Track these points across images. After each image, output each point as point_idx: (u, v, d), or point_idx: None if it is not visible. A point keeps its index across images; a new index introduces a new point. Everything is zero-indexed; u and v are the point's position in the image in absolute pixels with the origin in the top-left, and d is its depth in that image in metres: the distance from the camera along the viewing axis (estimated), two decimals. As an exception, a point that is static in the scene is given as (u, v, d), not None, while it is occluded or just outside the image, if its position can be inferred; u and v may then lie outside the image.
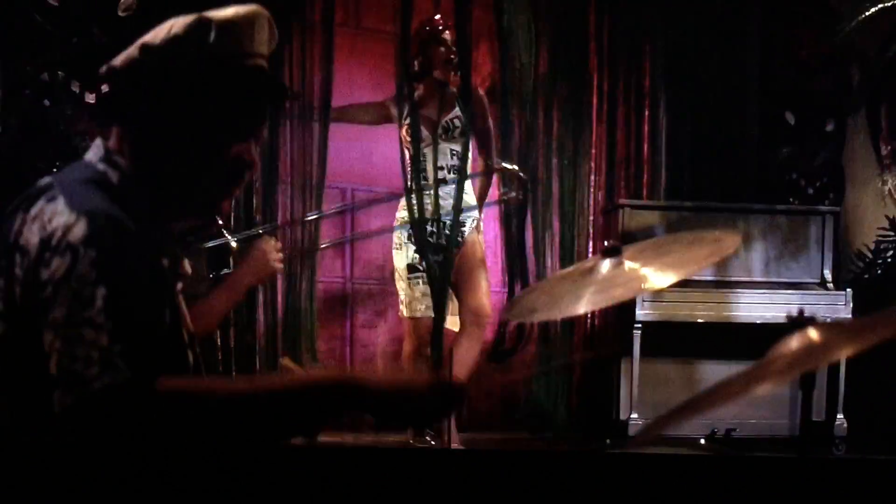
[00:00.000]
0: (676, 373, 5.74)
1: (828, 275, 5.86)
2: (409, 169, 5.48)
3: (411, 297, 5.59)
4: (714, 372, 5.62)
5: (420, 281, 5.54)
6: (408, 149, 5.53)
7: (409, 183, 5.41)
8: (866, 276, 6.00)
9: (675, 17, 6.49)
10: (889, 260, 6.00)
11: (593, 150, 6.42)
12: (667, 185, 6.45)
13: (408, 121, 5.53)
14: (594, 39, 6.48)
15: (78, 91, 5.00)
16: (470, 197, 5.63)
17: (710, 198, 6.12)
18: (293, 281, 5.92)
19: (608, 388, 5.86)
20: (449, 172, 5.52)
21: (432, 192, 5.45)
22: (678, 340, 5.71)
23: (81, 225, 1.84)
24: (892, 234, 6.10)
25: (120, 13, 4.87)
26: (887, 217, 6.19)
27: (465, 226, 5.56)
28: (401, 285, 5.64)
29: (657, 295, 5.53)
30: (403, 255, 5.60)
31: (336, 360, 6.33)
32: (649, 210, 5.96)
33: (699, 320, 5.67)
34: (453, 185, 5.46)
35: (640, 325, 5.61)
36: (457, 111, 5.56)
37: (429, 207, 5.44)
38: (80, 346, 1.76)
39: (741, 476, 2.71)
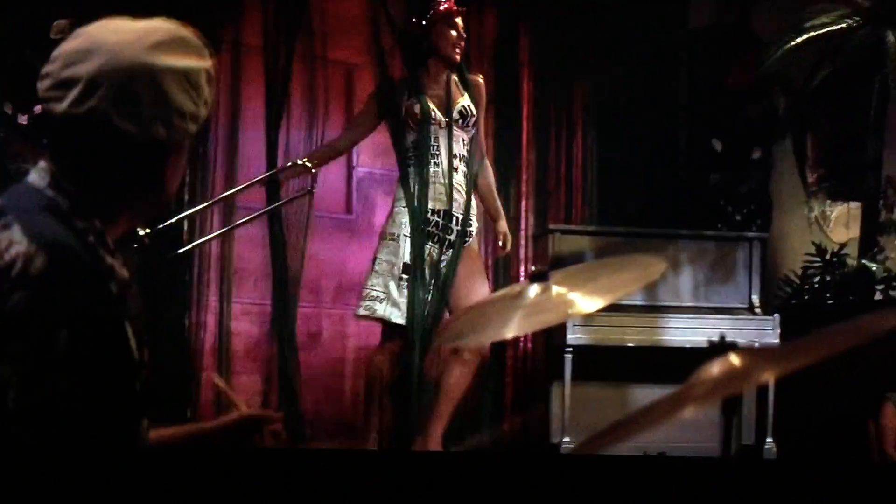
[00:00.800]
0: (608, 396, 5.79)
1: (756, 300, 5.95)
2: (410, 153, 5.22)
3: (394, 301, 5.15)
4: (645, 395, 5.67)
5: (407, 285, 5.15)
6: (413, 129, 5.24)
7: (412, 168, 5.18)
8: (794, 301, 6.12)
9: (606, 45, 6.59)
10: (816, 285, 6.13)
11: (524, 175, 6.49)
12: (598, 211, 6.53)
13: (413, 99, 5.24)
14: (526, 65, 6.56)
15: (10, 113, 4.97)
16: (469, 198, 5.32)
17: (641, 223, 6.19)
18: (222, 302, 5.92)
19: (541, 412, 5.89)
20: (461, 162, 5.25)
21: (445, 181, 5.18)
22: (609, 364, 5.77)
23: (41, 257, 1.83)
24: (818, 259, 6.23)
25: (52, 36, 4.85)
26: (814, 243, 6.33)
27: (472, 224, 5.28)
28: (382, 282, 5.14)
29: (588, 319, 5.58)
30: (401, 249, 5.15)
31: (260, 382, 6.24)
32: (580, 235, 6.02)
33: (629, 344, 5.73)
34: (464, 177, 5.23)
35: (570, 349, 5.64)
36: (468, 98, 5.32)
37: (441, 198, 5.18)
38: (38, 385, 1.77)
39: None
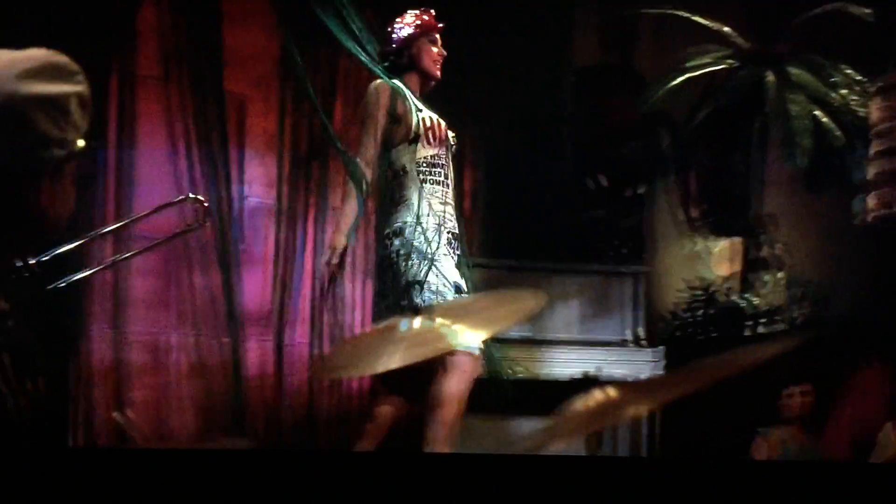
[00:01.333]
0: (490, 428, 5.85)
1: (641, 332, 6.09)
2: (424, 170, 4.91)
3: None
4: (528, 427, 5.75)
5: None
6: (430, 145, 4.96)
7: (427, 186, 4.88)
8: (678, 333, 6.26)
9: (492, 81, 6.69)
10: (699, 318, 6.29)
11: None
12: (484, 244, 6.61)
13: (429, 113, 4.99)
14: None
15: None
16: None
17: (526, 257, 6.29)
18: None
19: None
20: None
21: (451, 201, 4.94)
22: (492, 396, 5.81)
23: None
24: (701, 293, 6.40)
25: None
26: (695, 277, 6.48)
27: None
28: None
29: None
30: (453, 265, 4.81)
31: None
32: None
33: (513, 377, 5.79)
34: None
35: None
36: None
37: (451, 220, 4.90)
38: None
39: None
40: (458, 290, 4.70)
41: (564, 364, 5.81)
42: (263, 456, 2.05)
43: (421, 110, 4.98)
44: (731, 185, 6.80)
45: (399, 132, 4.94)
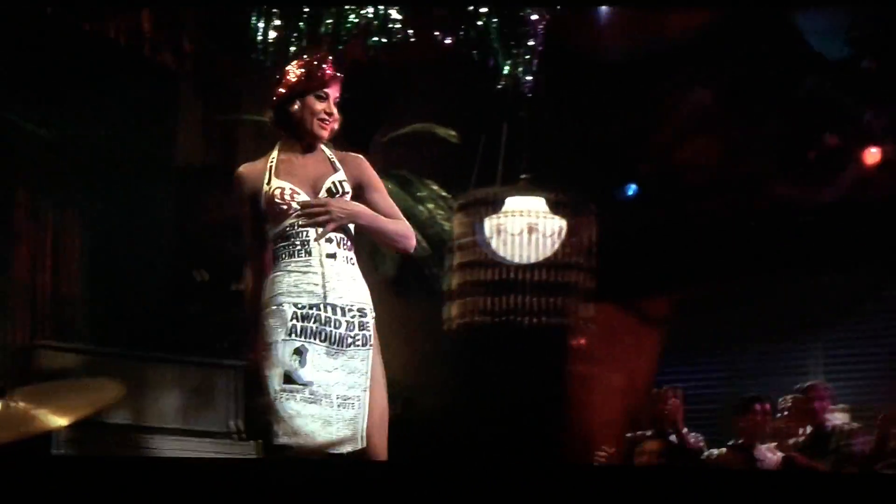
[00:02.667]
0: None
1: (239, 425, 6.34)
2: (281, 243, 4.55)
3: (276, 419, 4.38)
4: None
5: (297, 396, 4.40)
6: (280, 211, 4.55)
7: (283, 255, 4.52)
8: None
9: (98, 168, 6.84)
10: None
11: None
12: (91, 330, 6.65)
13: (277, 182, 4.57)
14: None
15: None
16: (362, 285, 4.62)
17: (130, 345, 6.39)
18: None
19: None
20: (339, 246, 4.57)
21: (320, 269, 4.52)
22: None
23: None
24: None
25: None
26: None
27: (367, 318, 4.55)
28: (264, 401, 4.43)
29: (70, 432, 5.62)
30: (277, 355, 4.44)
31: None
32: (67, 352, 6.13)
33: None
34: (346, 264, 4.57)
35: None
36: (342, 173, 4.67)
37: (316, 289, 4.49)
38: None
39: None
40: (286, 381, 4.40)
41: (170, 453, 5.95)
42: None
43: (271, 181, 4.61)
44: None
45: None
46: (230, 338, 7.03)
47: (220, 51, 7.59)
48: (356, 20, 6.75)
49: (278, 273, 4.54)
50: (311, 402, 4.39)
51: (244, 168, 4.70)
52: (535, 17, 6.78)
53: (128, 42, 7.02)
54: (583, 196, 7.09)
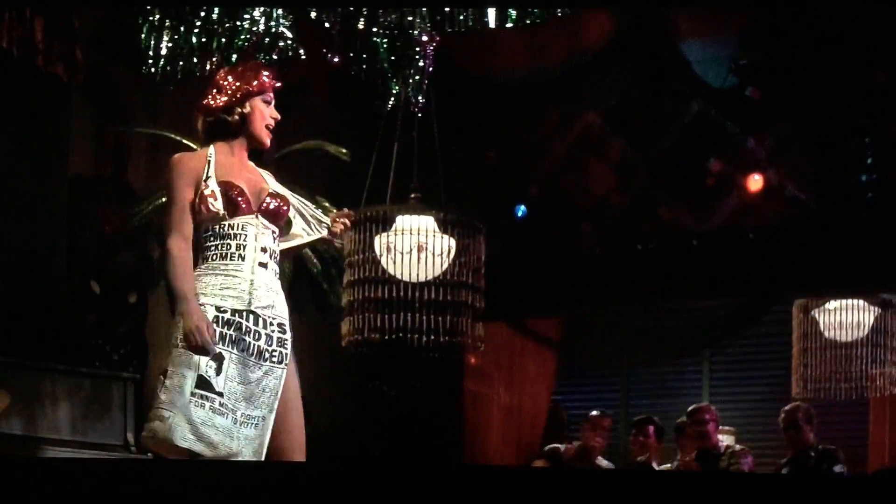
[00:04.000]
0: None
1: (131, 438, 6.62)
2: (210, 245, 4.63)
3: (186, 420, 4.45)
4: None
5: (206, 405, 4.48)
6: (212, 215, 4.63)
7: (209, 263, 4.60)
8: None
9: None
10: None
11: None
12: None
13: (222, 179, 4.66)
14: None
15: None
16: (284, 301, 4.78)
17: (20, 354, 6.61)
18: None
19: None
20: (271, 258, 4.71)
21: (250, 276, 4.64)
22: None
23: None
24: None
25: None
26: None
27: (286, 335, 4.71)
28: (169, 398, 4.49)
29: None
30: (194, 358, 4.50)
31: None
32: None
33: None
34: (273, 276, 4.70)
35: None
36: (281, 188, 4.89)
37: (242, 294, 4.60)
38: None
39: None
40: (199, 385, 4.49)
41: (63, 462, 6.22)
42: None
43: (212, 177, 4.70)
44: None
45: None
46: (121, 350, 7.35)
47: (112, 62, 7.89)
48: (249, 36, 7.06)
49: (205, 273, 4.60)
50: (218, 414, 4.48)
51: (183, 156, 4.82)
52: (424, 38, 7.14)
53: (20, 52, 7.25)
54: (472, 216, 7.41)
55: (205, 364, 4.51)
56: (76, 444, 6.45)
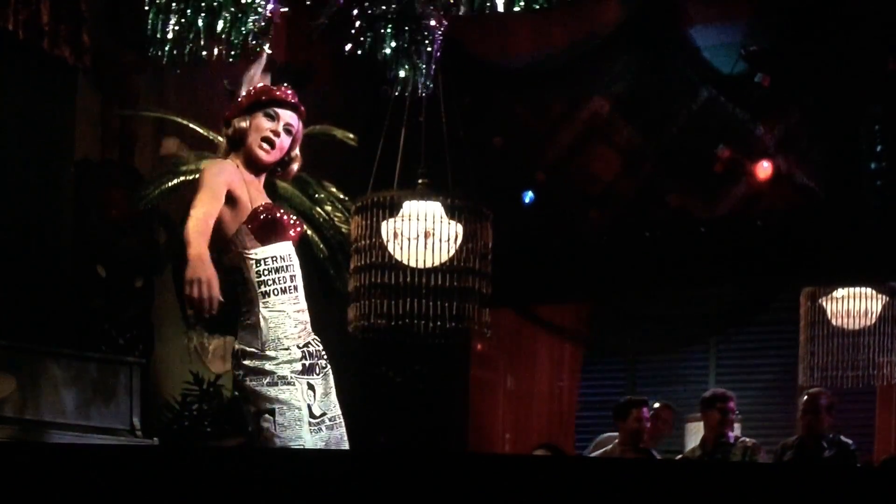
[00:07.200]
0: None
1: (137, 422, 6.66)
2: (269, 277, 4.47)
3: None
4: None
5: (321, 427, 4.52)
6: (271, 231, 4.49)
7: (275, 293, 4.45)
8: (175, 425, 6.86)
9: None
10: (195, 412, 6.94)
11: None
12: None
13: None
14: None
15: None
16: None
17: (24, 338, 6.65)
18: None
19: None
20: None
21: (305, 303, 4.58)
22: None
23: None
24: (196, 387, 7.06)
25: None
26: (192, 372, 7.14)
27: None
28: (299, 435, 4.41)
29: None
30: (299, 391, 4.46)
31: None
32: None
33: None
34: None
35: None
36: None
37: (307, 325, 4.55)
38: None
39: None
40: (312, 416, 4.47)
41: (69, 447, 6.24)
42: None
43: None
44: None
45: None
46: (127, 334, 7.37)
47: (119, 46, 7.90)
48: (256, 18, 7.07)
49: (278, 314, 4.45)
50: (328, 429, 4.50)
51: (228, 164, 4.56)
52: (433, 23, 7.14)
53: (26, 35, 7.26)
54: (479, 202, 7.42)
55: (304, 396, 4.46)
56: (82, 429, 6.48)
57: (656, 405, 8.95)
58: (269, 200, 4.66)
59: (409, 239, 7.19)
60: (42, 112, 7.40)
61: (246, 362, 4.43)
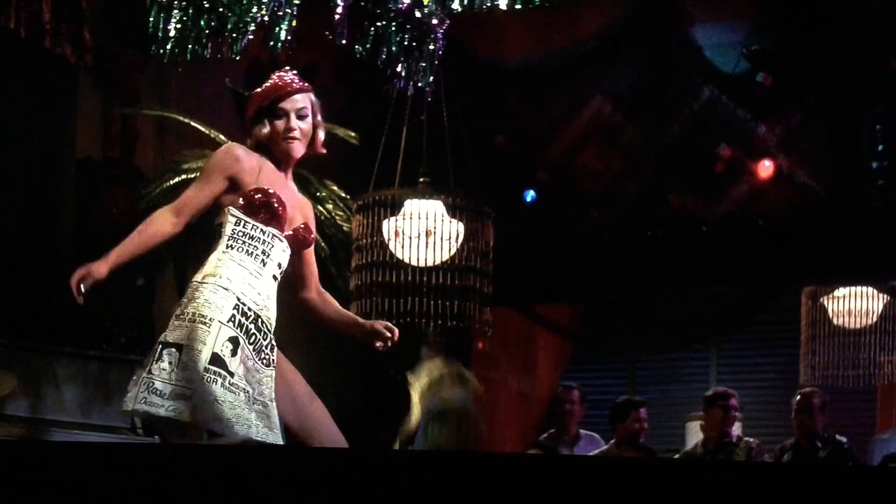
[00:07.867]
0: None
1: (137, 421, 6.65)
2: (242, 238, 4.59)
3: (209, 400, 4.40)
4: None
5: (218, 381, 4.44)
6: (262, 210, 4.63)
7: (236, 252, 4.57)
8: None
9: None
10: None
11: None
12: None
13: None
14: None
15: None
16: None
17: (25, 337, 6.66)
18: None
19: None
20: (281, 274, 4.76)
21: (266, 283, 4.63)
22: None
23: None
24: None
25: None
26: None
27: (274, 343, 4.68)
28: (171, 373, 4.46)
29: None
30: (212, 335, 4.47)
31: None
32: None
33: None
34: (275, 290, 4.69)
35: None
36: (301, 215, 4.89)
37: (258, 298, 4.57)
38: None
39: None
40: (213, 361, 4.43)
41: (70, 445, 6.26)
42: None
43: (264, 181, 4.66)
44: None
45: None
46: (129, 332, 7.37)
47: (120, 44, 7.90)
48: (258, 16, 7.07)
49: (229, 260, 4.57)
50: (230, 391, 4.43)
51: (244, 151, 4.70)
52: (434, 21, 7.14)
53: (28, 33, 7.27)
54: (480, 201, 7.43)
55: (221, 344, 4.48)
56: (83, 427, 6.49)
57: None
58: (300, 205, 4.87)
59: (410, 237, 7.20)
60: (43, 110, 7.42)
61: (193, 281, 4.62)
